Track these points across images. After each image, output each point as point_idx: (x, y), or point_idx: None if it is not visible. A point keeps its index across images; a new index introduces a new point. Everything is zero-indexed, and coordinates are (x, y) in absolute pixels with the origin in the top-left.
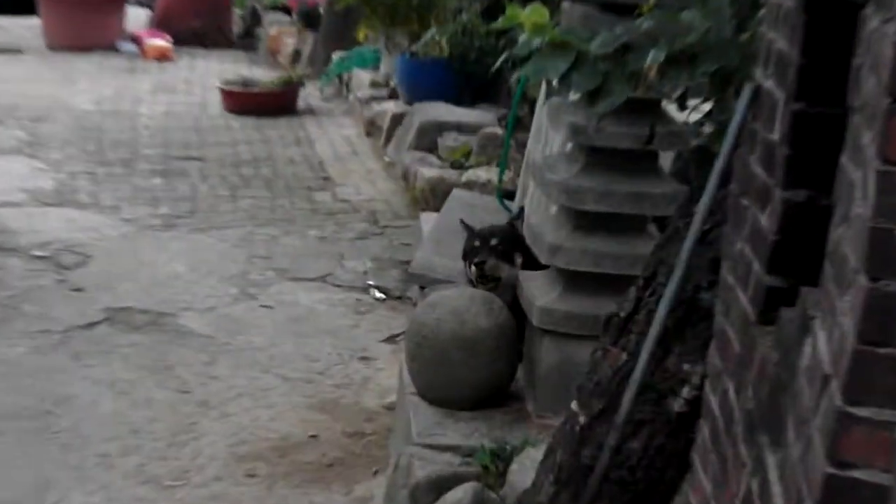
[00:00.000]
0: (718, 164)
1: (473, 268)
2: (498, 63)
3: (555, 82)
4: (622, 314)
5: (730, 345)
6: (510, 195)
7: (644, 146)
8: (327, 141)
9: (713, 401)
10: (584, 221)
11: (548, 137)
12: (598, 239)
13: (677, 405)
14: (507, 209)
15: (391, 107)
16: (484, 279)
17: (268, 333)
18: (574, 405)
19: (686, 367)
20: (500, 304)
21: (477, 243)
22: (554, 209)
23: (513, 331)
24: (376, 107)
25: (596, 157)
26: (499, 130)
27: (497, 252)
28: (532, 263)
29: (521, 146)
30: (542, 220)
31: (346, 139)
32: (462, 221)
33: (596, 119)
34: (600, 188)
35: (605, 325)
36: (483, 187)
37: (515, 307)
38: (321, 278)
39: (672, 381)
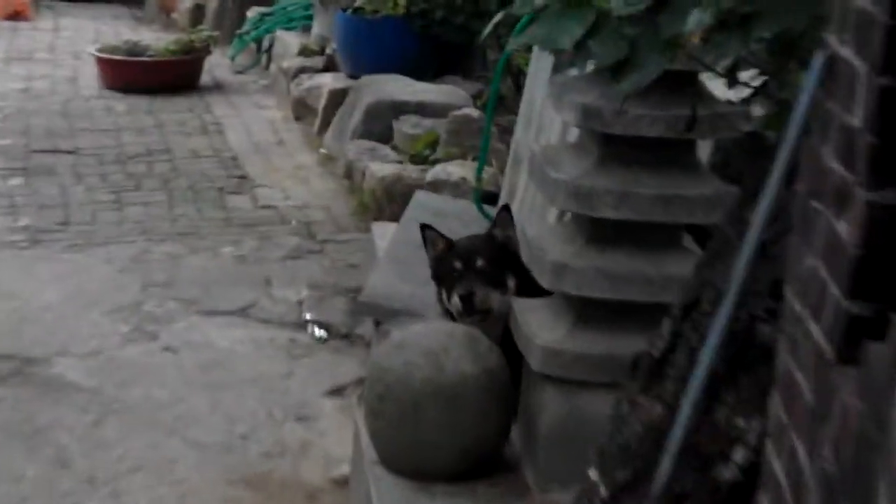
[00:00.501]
0: (781, 158)
1: (457, 300)
2: (488, 29)
3: (566, 51)
4: (655, 354)
5: (799, 392)
6: (492, 198)
7: (682, 133)
8: (243, 127)
9: (776, 465)
10: (600, 233)
11: (544, 122)
12: (619, 256)
13: (728, 473)
14: (489, 217)
15: (328, 81)
16: (471, 313)
17: (172, 385)
18: (592, 474)
19: (740, 422)
20: (488, 344)
21: (458, 265)
22: (558, 217)
23: (505, 378)
24: (308, 81)
25: (614, 149)
26: (475, 112)
27: (485, 276)
28: (529, 288)
29: (505, 133)
30: (542, 231)
31: (267, 125)
32: (428, 228)
33: (620, 99)
34: (620, 189)
35: (632, 369)
36: (455, 188)
37: (508, 346)
38: (241, 311)
39: (721, 442)
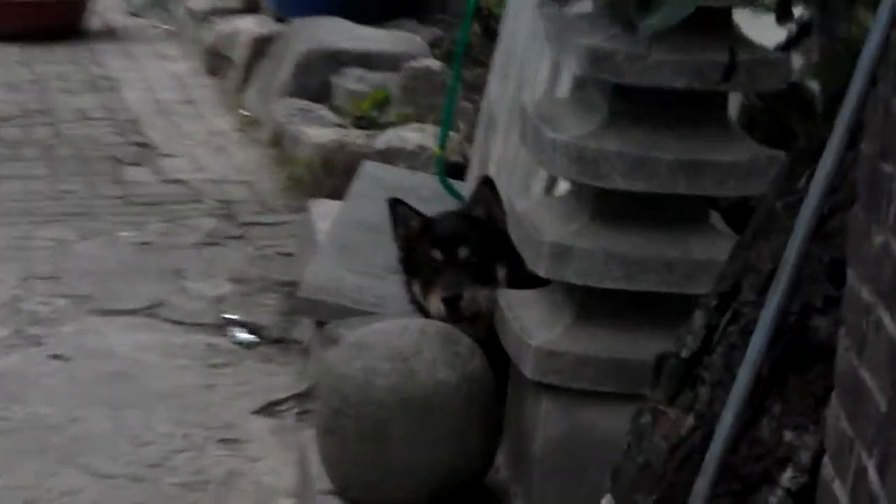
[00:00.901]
0: (844, 113)
1: (440, 305)
2: None
3: None
4: (684, 354)
5: (867, 397)
6: (457, 171)
7: (715, 85)
8: (142, 83)
9: (838, 489)
10: (609, 207)
11: (526, 74)
12: (632, 236)
13: (775, 499)
14: (457, 194)
15: (249, 26)
16: (457, 321)
17: (64, 401)
18: (608, 501)
19: (788, 436)
20: (470, 345)
21: (437, 255)
22: (546, 188)
23: (490, 387)
24: (223, 26)
25: (628, 103)
26: (435, 64)
27: (472, 270)
28: (519, 277)
29: (471, 90)
30: (535, 206)
31: (173, 80)
32: (398, 203)
33: (645, 40)
34: (635, 153)
35: (654, 374)
36: (412, 158)
37: (492, 348)
38: (147, 310)
39: (767, 461)
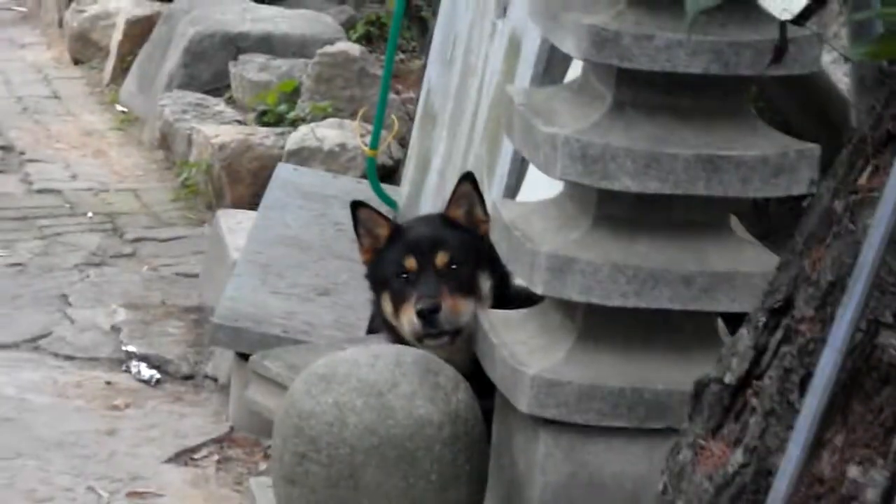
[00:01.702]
0: None
1: (414, 319)
2: None
3: None
4: (728, 380)
5: None
6: (386, 174)
7: (763, 70)
8: None
9: None
10: (616, 211)
11: (473, 59)
12: (642, 245)
13: None
14: (391, 201)
15: (123, 6)
16: (436, 337)
17: None
18: None
19: (854, 472)
20: (453, 375)
21: (411, 263)
22: (530, 180)
23: (478, 424)
24: (91, 7)
25: (635, 93)
26: (354, 49)
27: (452, 279)
28: (503, 294)
29: (392, 78)
30: (526, 213)
31: (33, 72)
32: (361, 205)
33: (691, 22)
34: (646, 149)
35: (692, 401)
36: (331, 160)
37: (477, 378)
38: (30, 344)
39: (828, 501)
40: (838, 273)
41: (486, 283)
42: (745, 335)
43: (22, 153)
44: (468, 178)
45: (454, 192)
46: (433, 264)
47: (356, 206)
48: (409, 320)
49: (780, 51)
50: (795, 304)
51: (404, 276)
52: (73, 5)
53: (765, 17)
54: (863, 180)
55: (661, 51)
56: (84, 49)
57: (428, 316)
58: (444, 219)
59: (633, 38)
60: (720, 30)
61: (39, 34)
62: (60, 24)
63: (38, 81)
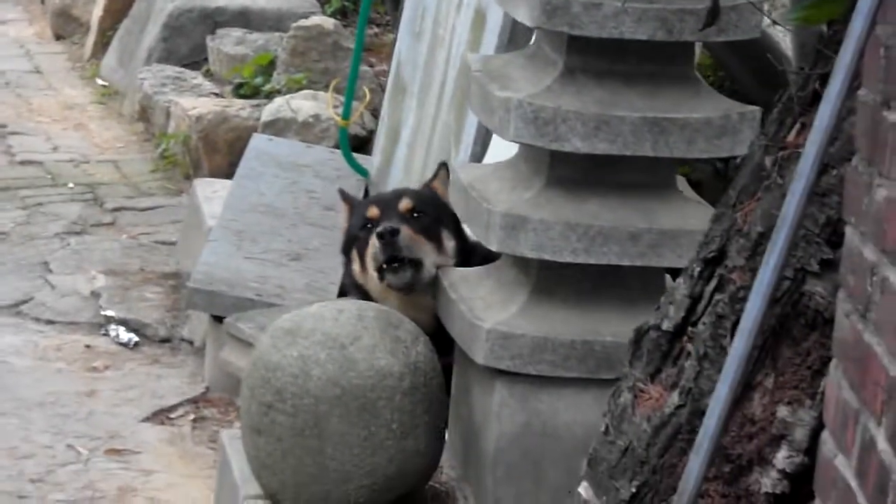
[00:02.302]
0: (844, 57)
1: (376, 244)
2: None
3: None
4: (665, 326)
5: (873, 363)
6: (359, 144)
7: (699, 34)
8: None
9: (842, 464)
10: (567, 172)
11: (441, 31)
12: (592, 204)
13: (769, 481)
14: (363, 171)
15: None
16: (395, 266)
17: None
18: (585, 491)
19: (783, 412)
20: (414, 329)
21: (375, 211)
22: (495, 146)
23: (437, 376)
24: None
25: (585, 58)
26: (328, 22)
27: (414, 221)
28: (465, 257)
29: (366, 51)
30: (483, 175)
31: (15, 46)
32: (341, 192)
33: None
34: (595, 112)
35: (632, 347)
36: (305, 130)
37: (440, 337)
38: (12, 309)
39: (760, 440)
40: (767, 224)
41: (449, 241)
42: (681, 284)
43: (3, 126)
44: (445, 165)
45: (436, 171)
46: (396, 210)
47: (344, 195)
48: (371, 254)
49: (712, 14)
50: (728, 254)
51: (368, 225)
52: None
53: None
54: (791, 137)
55: (608, 18)
56: (65, 24)
57: (388, 238)
58: (420, 188)
59: (582, 6)
60: None
61: (21, 10)
62: (42, 0)
63: (19, 56)
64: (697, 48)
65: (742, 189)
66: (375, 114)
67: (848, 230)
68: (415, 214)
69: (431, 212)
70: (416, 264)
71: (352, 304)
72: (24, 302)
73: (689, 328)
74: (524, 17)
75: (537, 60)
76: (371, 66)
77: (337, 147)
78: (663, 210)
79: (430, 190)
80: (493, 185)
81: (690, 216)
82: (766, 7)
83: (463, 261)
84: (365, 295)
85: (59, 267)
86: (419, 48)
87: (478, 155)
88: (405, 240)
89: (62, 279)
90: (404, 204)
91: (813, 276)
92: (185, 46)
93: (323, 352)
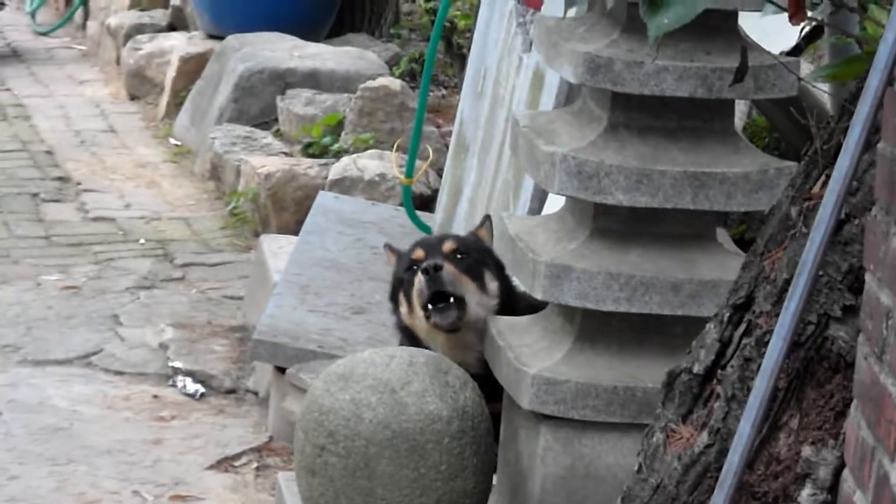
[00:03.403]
0: (861, 112)
1: (422, 282)
2: None
3: None
4: (696, 370)
5: (888, 403)
6: (423, 203)
7: (728, 88)
8: (56, 111)
9: (859, 500)
10: (610, 224)
11: (501, 92)
12: (634, 255)
13: None
14: (426, 227)
15: (178, 44)
16: (440, 306)
17: None
18: None
19: (807, 451)
20: (462, 375)
21: (420, 253)
22: (551, 203)
23: (485, 421)
24: (147, 45)
25: (628, 114)
26: (395, 83)
27: (458, 261)
28: (510, 304)
29: (434, 112)
30: (529, 226)
31: (91, 106)
32: (387, 245)
33: (652, 44)
34: (637, 166)
35: (665, 391)
36: (371, 189)
37: (485, 380)
38: (82, 360)
39: (785, 478)
40: (792, 272)
41: (492, 281)
42: (711, 329)
43: (78, 183)
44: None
45: (482, 222)
46: (440, 251)
47: (390, 247)
48: (417, 291)
49: (740, 72)
50: (756, 300)
51: (414, 266)
52: (130, 44)
53: (750, 46)
54: (816, 189)
55: (650, 76)
56: (140, 85)
57: (432, 273)
58: (465, 235)
59: (624, 64)
60: (705, 57)
61: (98, 71)
62: (118, 61)
63: (95, 116)
64: (745, 107)
65: (770, 238)
66: (440, 173)
67: (867, 277)
68: (458, 255)
69: (474, 254)
70: (460, 302)
71: (403, 351)
72: (95, 353)
73: (719, 371)
74: (569, 74)
75: (583, 116)
76: (437, 126)
77: (401, 205)
78: (703, 261)
79: (473, 236)
80: (540, 237)
81: (730, 267)
82: (804, 66)
83: (508, 308)
84: (413, 338)
85: (129, 320)
86: (481, 108)
87: (535, 210)
88: (449, 275)
89: (131, 332)
90: (447, 245)
91: (836, 321)
92: (256, 107)
93: (374, 396)
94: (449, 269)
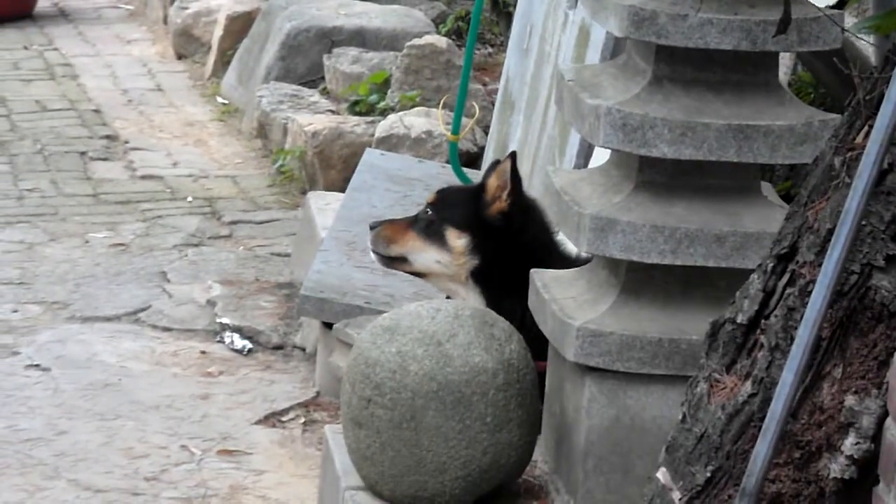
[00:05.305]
0: None
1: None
2: None
3: None
4: (740, 319)
5: None
6: (470, 159)
7: (769, 42)
8: (104, 70)
9: None
10: (655, 177)
11: (547, 48)
12: (679, 208)
13: (837, 467)
14: (469, 183)
15: (226, 3)
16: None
17: (46, 414)
18: (662, 476)
19: (851, 401)
20: (508, 328)
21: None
22: (597, 158)
23: (530, 373)
24: (194, 4)
25: (672, 67)
26: (441, 41)
27: (421, 222)
28: (547, 258)
29: (480, 70)
30: (574, 180)
31: (139, 65)
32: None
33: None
34: (681, 119)
35: (708, 341)
36: (418, 146)
37: (530, 333)
38: (131, 316)
39: (829, 427)
40: (835, 222)
41: (457, 239)
42: (755, 279)
43: (126, 142)
44: (511, 157)
45: (496, 164)
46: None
47: None
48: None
49: (784, 23)
50: (799, 250)
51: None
52: (177, 3)
53: None
54: (859, 139)
55: (694, 29)
56: (187, 44)
57: (372, 234)
58: (476, 187)
59: (668, 17)
60: (749, 10)
61: (145, 31)
62: (165, 20)
63: (142, 75)
64: (790, 62)
65: (813, 188)
66: (486, 130)
67: None
68: (428, 211)
69: (444, 211)
70: (394, 259)
71: (448, 304)
72: (143, 310)
73: (763, 321)
74: (614, 27)
75: (627, 70)
76: (484, 84)
77: (448, 162)
78: (747, 213)
79: (469, 187)
80: (586, 190)
81: (774, 219)
82: (847, 18)
83: (520, 261)
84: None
85: (177, 277)
86: (527, 64)
87: (581, 167)
88: (382, 234)
89: (179, 288)
90: (428, 198)
91: (879, 270)
92: (303, 65)
93: (420, 348)
94: (382, 232)
